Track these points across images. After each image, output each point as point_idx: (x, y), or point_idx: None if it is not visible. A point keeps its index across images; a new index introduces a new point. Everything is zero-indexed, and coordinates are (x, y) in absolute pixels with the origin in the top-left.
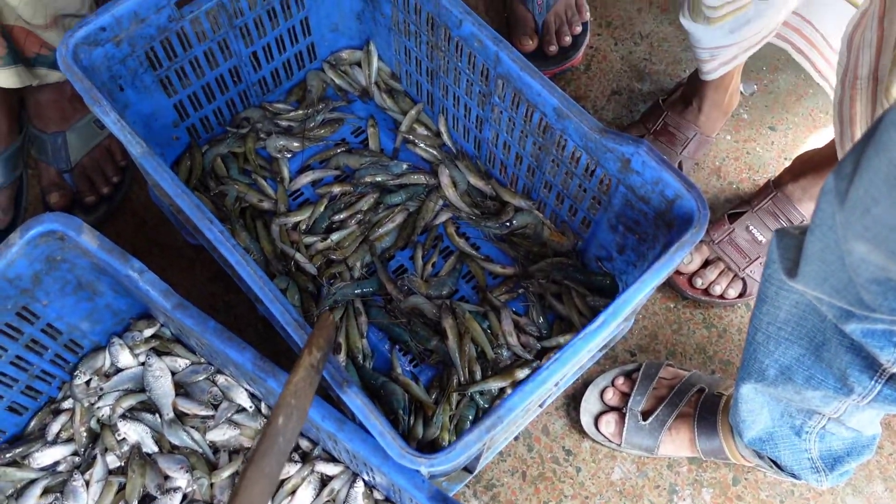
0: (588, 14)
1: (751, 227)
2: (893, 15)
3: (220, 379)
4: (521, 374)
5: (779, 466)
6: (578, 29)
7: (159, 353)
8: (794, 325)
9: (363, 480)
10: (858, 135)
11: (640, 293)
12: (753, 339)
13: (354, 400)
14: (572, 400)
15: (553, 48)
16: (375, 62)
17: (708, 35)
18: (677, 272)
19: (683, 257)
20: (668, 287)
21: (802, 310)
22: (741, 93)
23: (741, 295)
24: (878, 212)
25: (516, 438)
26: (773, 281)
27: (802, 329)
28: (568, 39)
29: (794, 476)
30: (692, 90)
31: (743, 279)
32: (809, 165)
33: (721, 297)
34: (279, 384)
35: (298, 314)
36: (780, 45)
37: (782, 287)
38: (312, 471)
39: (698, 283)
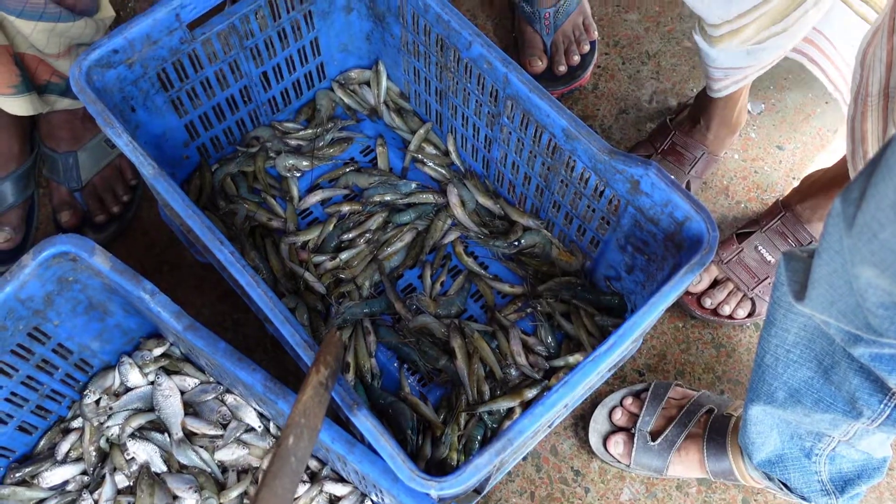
0: (595, 33)
1: (759, 248)
2: None
3: (229, 398)
4: (530, 393)
5: (788, 488)
6: (587, 48)
7: (169, 372)
8: (803, 347)
9: (371, 501)
10: (870, 153)
11: (649, 316)
12: (762, 362)
13: (364, 423)
14: (581, 419)
15: (562, 68)
16: (384, 82)
17: (723, 56)
18: (686, 292)
19: (692, 279)
20: (677, 307)
21: (811, 332)
22: (749, 112)
23: (750, 315)
24: (885, 237)
25: (525, 458)
26: (782, 304)
27: (811, 352)
28: (576, 59)
29: (803, 498)
30: (700, 109)
31: (752, 299)
32: (817, 186)
33: (730, 317)
34: (289, 406)
35: (308, 335)
36: (796, 58)
37: (791, 310)
38: (321, 491)
39: (707, 303)
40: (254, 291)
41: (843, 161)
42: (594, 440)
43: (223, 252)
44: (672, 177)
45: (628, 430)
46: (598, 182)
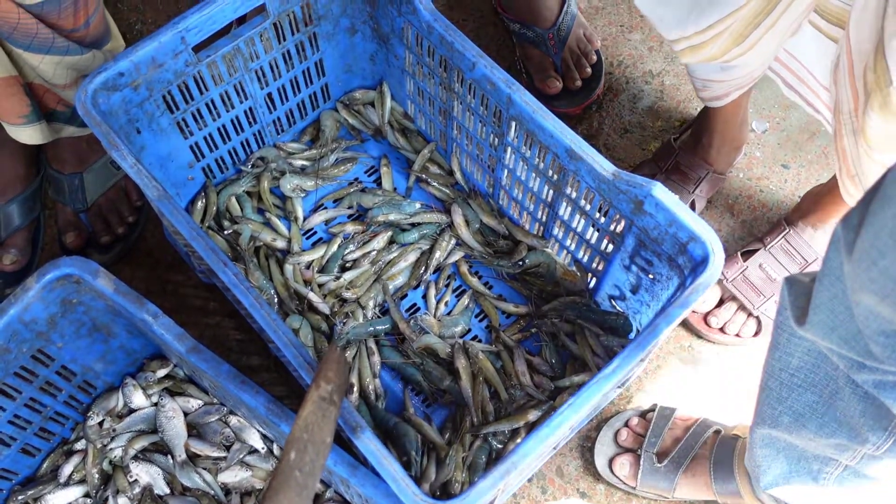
0: (598, 42)
1: (764, 265)
2: (862, 57)
3: (233, 420)
4: (535, 415)
5: None
6: (594, 58)
7: (172, 393)
8: (807, 372)
9: None
10: (851, 169)
11: (654, 337)
12: (766, 385)
13: (367, 445)
14: (587, 440)
15: (578, 83)
16: (388, 102)
17: (700, 67)
18: (693, 311)
19: (697, 299)
20: (683, 326)
21: (815, 357)
22: (753, 130)
23: (756, 333)
24: (884, 264)
25: (530, 480)
26: (785, 328)
27: (815, 377)
28: (588, 71)
29: None
30: (702, 127)
31: (758, 318)
32: (817, 200)
33: (737, 335)
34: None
35: (311, 356)
36: (773, 78)
37: (794, 334)
38: None
39: (714, 322)
40: (257, 313)
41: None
42: (600, 462)
43: (227, 274)
44: (676, 197)
45: (634, 452)
46: (602, 202)
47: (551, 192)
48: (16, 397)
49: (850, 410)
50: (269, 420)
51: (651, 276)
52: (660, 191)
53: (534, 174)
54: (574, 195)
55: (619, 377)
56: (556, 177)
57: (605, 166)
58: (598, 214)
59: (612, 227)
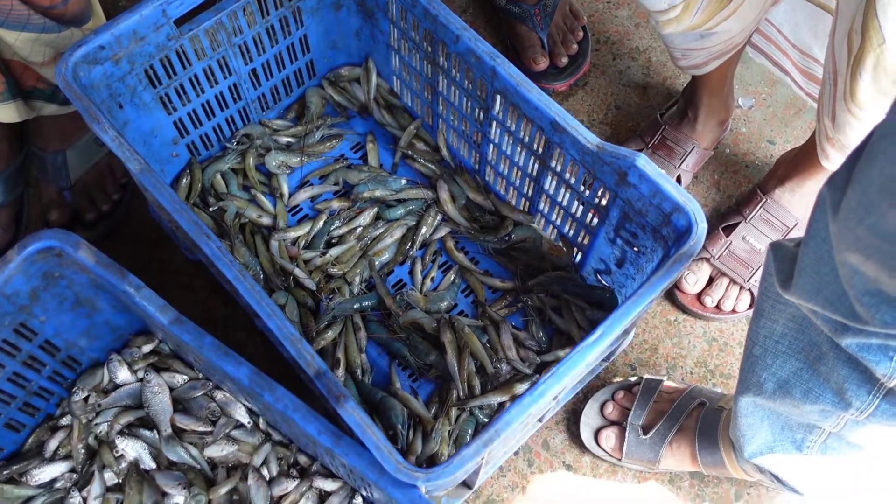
0: (584, 17)
1: (747, 237)
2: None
3: (219, 395)
4: (521, 388)
5: (780, 481)
6: (581, 34)
7: (158, 369)
8: (792, 338)
9: (361, 496)
10: (831, 132)
11: (638, 306)
12: (751, 353)
13: (351, 415)
14: (572, 414)
15: (564, 59)
16: (374, 79)
17: (679, 37)
18: (685, 293)
19: (682, 270)
20: (669, 301)
21: (799, 323)
22: (739, 106)
23: (751, 306)
24: (870, 222)
25: (516, 453)
26: (770, 294)
27: (800, 343)
28: (574, 47)
29: (795, 491)
30: (687, 102)
31: (749, 290)
32: (794, 165)
33: (734, 311)
34: (275, 399)
35: (295, 329)
36: (757, 60)
37: (778, 300)
38: (311, 486)
39: (708, 301)
40: (241, 285)
41: (812, 138)
42: (585, 434)
43: (210, 246)
44: (660, 169)
45: (620, 424)
46: (587, 175)
47: (536, 165)
48: None
49: (834, 376)
50: (253, 391)
51: (636, 249)
52: (643, 161)
53: (519, 148)
54: (559, 168)
55: (603, 346)
56: (541, 150)
57: (589, 138)
58: (582, 188)
59: (596, 201)
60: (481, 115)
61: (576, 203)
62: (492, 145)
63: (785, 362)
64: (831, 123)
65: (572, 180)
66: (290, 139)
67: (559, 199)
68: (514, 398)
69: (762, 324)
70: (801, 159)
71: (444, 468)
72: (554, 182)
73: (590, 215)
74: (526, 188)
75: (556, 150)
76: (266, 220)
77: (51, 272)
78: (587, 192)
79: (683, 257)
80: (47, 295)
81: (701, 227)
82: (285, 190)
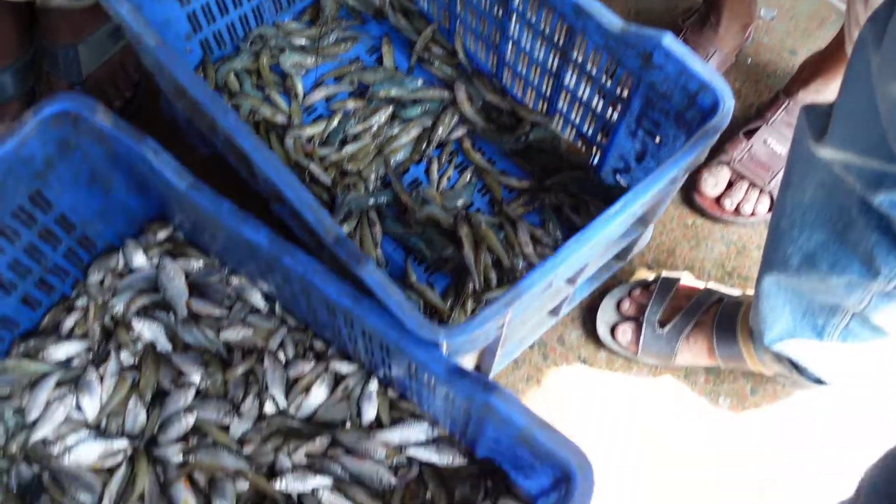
0: None
1: (768, 141)
2: None
3: (234, 280)
4: None
5: (799, 370)
6: None
7: (173, 255)
8: (819, 208)
9: (377, 378)
10: (860, 9)
11: (663, 178)
12: (777, 227)
13: (372, 275)
14: (588, 312)
15: None
16: None
17: None
18: (704, 196)
19: (708, 145)
20: (688, 205)
21: (828, 190)
22: (761, 17)
23: (770, 209)
24: None
25: (531, 347)
26: (799, 160)
27: (827, 212)
28: None
29: (816, 380)
30: (710, 5)
31: (769, 193)
32: (818, 68)
33: (753, 214)
34: (295, 262)
35: (312, 198)
36: None
37: (809, 163)
38: (327, 368)
39: (727, 204)
40: (258, 155)
41: (836, 39)
42: (602, 329)
43: (227, 119)
44: (686, 46)
45: (636, 320)
46: (610, 62)
47: (557, 59)
48: (14, 240)
49: (863, 242)
50: (272, 255)
51: (657, 140)
52: (670, 40)
53: (539, 42)
54: (580, 59)
55: (626, 216)
56: (561, 42)
57: (612, 21)
58: (604, 78)
59: (618, 91)
60: (500, 11)
61: (596, 97)
62: (511, 43)
63: (812, 234)
64: (863, 7)
65: (594, 71)
66: (304, 41)
67: (579, 94)
68: None
69: (789, 195)
70: (826, 61)
71: (467, 324)
72: (574, 76)
73: (610, 110)
74: (545, 87)
75: (577, 39)
76: (281, 119)
77: (66, 140)
78: (608, 83)
79: (710, 131)
80: (62, 165)
81: (728, 103)
82: (300, 90)
